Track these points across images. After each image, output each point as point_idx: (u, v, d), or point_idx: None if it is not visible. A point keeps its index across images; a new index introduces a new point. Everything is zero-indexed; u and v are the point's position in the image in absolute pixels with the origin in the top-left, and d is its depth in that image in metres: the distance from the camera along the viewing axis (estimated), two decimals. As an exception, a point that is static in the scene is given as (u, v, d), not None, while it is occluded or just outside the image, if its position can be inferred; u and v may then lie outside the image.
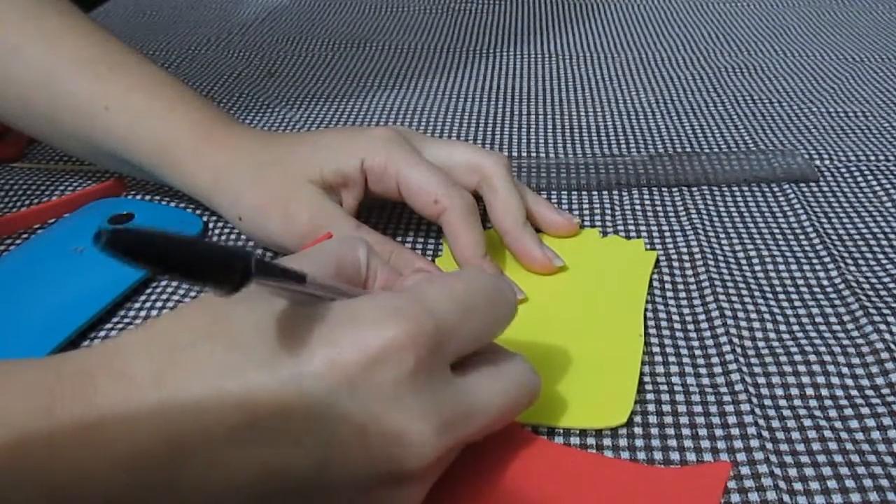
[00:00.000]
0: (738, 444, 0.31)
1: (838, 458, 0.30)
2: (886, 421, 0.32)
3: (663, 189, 0.50)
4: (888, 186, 0.50)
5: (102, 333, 0.38)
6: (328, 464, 0.24)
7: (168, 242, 0.19)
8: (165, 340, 0.25)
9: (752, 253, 0.43)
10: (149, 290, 0.41)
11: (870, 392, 0.34)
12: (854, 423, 0.32)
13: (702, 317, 0.38)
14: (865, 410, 0.33)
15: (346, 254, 0.29)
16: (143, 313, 0.39)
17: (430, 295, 0.26)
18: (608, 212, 0.48)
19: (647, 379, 0.34)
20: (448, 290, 0.27)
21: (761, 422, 0.32)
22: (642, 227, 0.46)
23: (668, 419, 0.32)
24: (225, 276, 0.21)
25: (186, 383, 0.23)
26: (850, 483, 0.29)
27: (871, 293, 0.40)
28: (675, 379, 0.34)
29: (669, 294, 0.40)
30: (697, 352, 0.36)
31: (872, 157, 0.54)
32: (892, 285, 0.40)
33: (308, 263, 0.27)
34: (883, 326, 0.37)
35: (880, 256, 0.43)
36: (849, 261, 0.43)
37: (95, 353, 0.25)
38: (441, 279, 0.28)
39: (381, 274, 0.30)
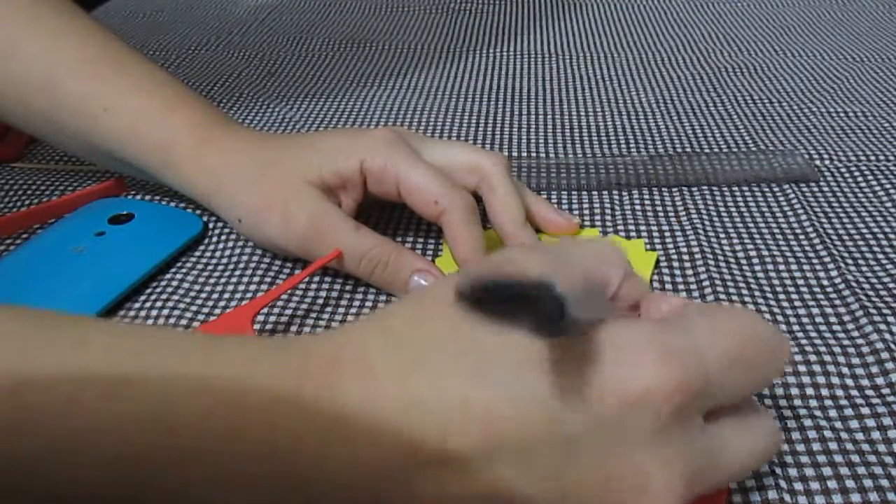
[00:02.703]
0: (738, 444, 0.31)
1: (838, 458, 0.30)
2: (886, 421, 0.32)
3: (663, 189, 0.50)
4: (888, 186, 0.50)
5: (102, 334, 0.38)
6: (560, 497, 0.23)
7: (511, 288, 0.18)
8: (411, 346, 0.24)
9: (752, 253, 0.43)
10: (149, 290, 0.41)
11: (870, 392, 0.34)
12: (854, 423, 0.32)
13: (702, 317, 0.38)
14: (865, 410, 0.33)
15: (597, 269, 0.26)
16: (143, 313, 0.39)
17: (703, 337, 0.24)
18: (608, 212, 0.48)
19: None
20: (724, 335, 0.25)
21: (761, 422, 0.32)
22: (642, 227, 0.46)
23: (669, 419, 0.32)
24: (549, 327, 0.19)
25: (430, 393, 0.22)
26: (850, 483, 0.29)
27: (871, 293, 0.40)
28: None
29: (670, 294, 0.40)
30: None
31: (872, 157, 0.54)
32: (892, 285, 0.40)
33: (558, 267, 0.25)
34: (883, 326, 0.37)
35: (880, 256, 0.43)
36: (849, 261, 0.43)
37: (340, 342, 0.24)
38: (715, 317, 0.25)
39: (631, 293, 0.27)
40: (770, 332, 0.26)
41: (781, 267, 0.42)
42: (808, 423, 0.32)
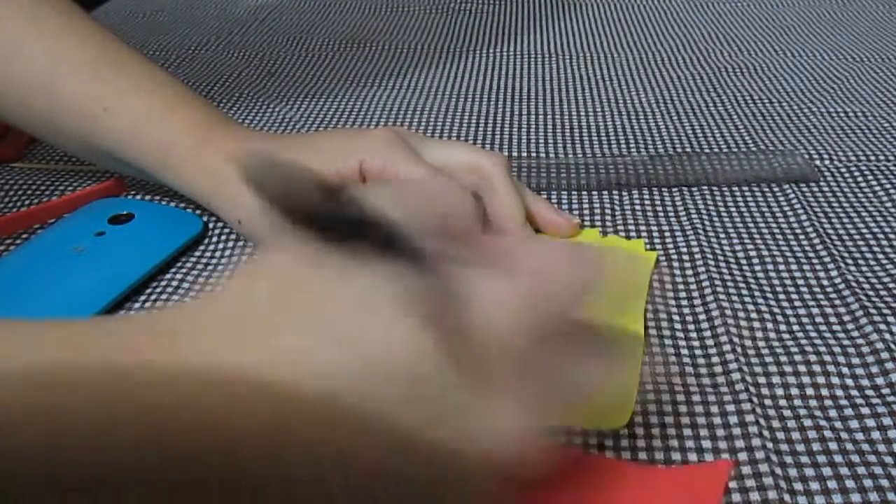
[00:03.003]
0: (738, 443, 0.31)
1: (838, 458, 0.30)
2: (886, 421, 0.32)
3: (663, 189, 0.50)
4: (888, 186, 0.50)
5: (102, 334, 0.38)
6: (434, 425, 0.23)
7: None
8: (258, 322, 0.23)
9: (752, 253, 0.43)
10: (148, 290, 0.41)
11: (870, 392, 0.34)
12: (854, 423, 0.32)
13: (702, 317, 0.38)
14: (865, 410, 0.33)
15: (452, 203, 0.27)
16: (143, 313, 0.39)
17: (535, 266, 0.26)
18: (608, 212, 0.48)
19: (647, 379, 0.34)
20: (552, 260, 0.27)
21: (762, 421, 0.32)
22: (642, 227, 0.46)
23: (669, 419, 0.32)
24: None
25: (281, 367, 0.22)
26: (850, 483, 0.29)
27: (871, 293, 0.40)
28: (675, 379, 0.34)
29: (669, 294, 0.40)
30: (697, 352, 0.36)
31: (872, 157, 0.54)
32: (892, 285, 0.40)
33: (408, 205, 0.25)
34: (883, 326, 0.37)
35: (880, 256, 0.43)
36: (849, 261, 0.43)
37: (179, 318, 0.24)
38: (544, 248, 0.28)
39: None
40: (588, 253, 0.29)
41: (781, 267, 0.42)
42: (808, 423, 0.32)
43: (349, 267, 0.23)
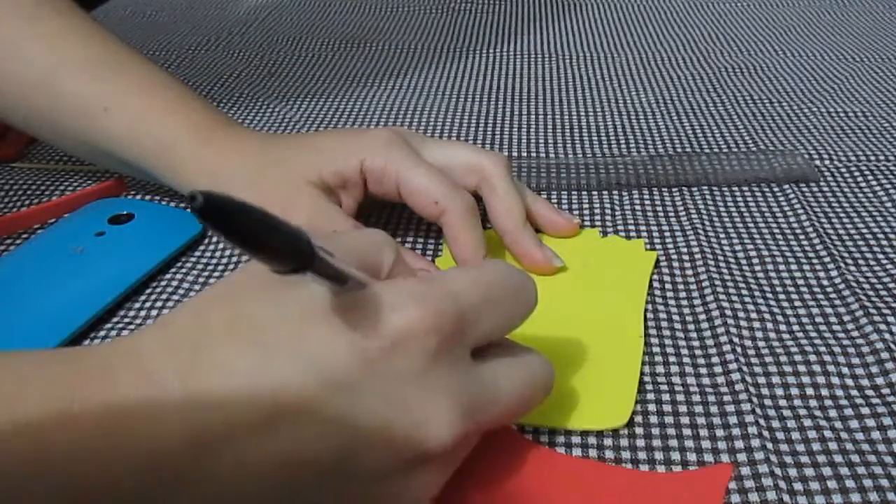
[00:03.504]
0: (738, 444, 0.31)
1: (838, 458, 0.30)
2: (886, 421, 0.32)
3: (663, 189, 0.50)
4: (888, 186, 0.50)
5: (102, 333, 0.38)
6: (351, 453, 0.24)
7: (252, 213, 0.19)
8: (187, 338, 0.24)
9: (752, 253, 0.43)
10: (148, 290, 0.41)
11: (870, 392, 0.34)
12: (854, 423, 0.32)
13: (702, 317, 0.38)
14: (865, 410, 0.33)
15: (370, 253, 0.28)
16: (143, 313, 0.39)
17: (454, 282, 0.27)
18: (608, 212, 0.48)
19: (647, 379, 0.34)
20: (472, 278, 0.27)
21: (762, 422, 0.32)
22: (642, 227, 0.46)
23: (669, 419, 0.32)
24: (293, 257, 0.20)
25: (209, 381, 0.23)
26: (850, 483, 0.29)
27: (871, 293, 0.40)
28: (675, 379, 0.35)
29: (669, 294, 0.40)
30: (697, 352, 0.36)
31: (872, 157, 0.54)
32: (892, 285, 0.40)
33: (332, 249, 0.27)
34: (883, 326, 0.37)
35: (880, 256, 0.43)
36: (849, 261, 0.43)
37: (115, 349, 0.25)
38: (466, 269, 0.29)
39: (402, 273, 0.30)
40: (516, 275, 0.29)
41: (781, 267, 0.42)
42: (808, 423, 0.32)
43: (290, 286, 0.25)
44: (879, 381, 0.34)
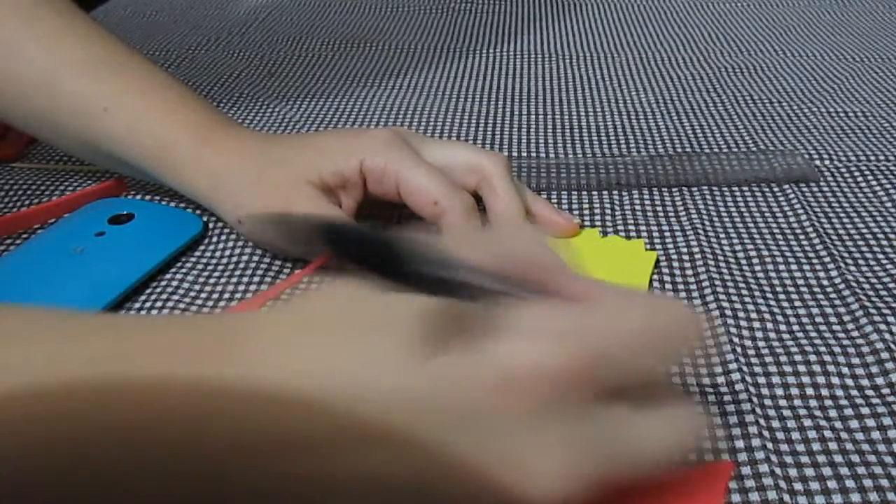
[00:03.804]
0: (738, 443, 0.31)
1: (838, 458, 0.30)
2: (886, 421, 0.32)
3: (663, 189, 0.50)
4: (888, 186, 0.50)
5: (102, 334, 0.38)
6: (442, 476, 0.22)
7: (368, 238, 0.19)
8: (319, 330, 0.23)
9: (752, 253, 0.43)
10: (149, 290, 0.41)
11: (870, 392, 0.34)
12: (854, 423, 0.32)
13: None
14: (865, 410, 0.33)
15: (522, 255, 0.26)
16: (143, 313, 0.39)
17: (601, 318, 0.24)
18: (608, 212, 0.48)
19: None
20: (622, 317, 0.24)
21: (762, 421, 0.32)
22: (642, 227, 0.46)
23: (669, 419, 0.32)
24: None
25: (329, 381, 0.22)
26: (850, 483, 0.29)
27: (871, 293, 0.40)
28: (675, 379, 0.34)
29: (669, 294, 0.40)
30: (697, 352, 0.36)
31: (872, 157, 0.54)
32: (892, 285, 0.40)
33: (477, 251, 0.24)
34: (883, 326, 0.37)
35: (880, 256, 0.43)
36: (849, 261, 0.43)
37: (244, 322, 0.24)
38: (618, 300, 0.25)
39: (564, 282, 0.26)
40: (676, 312, 0.26)
41: (781, 267, 0.42)
42: (808, 423, 0.32)
43: (410, 300, 0.23)
44: (879, 381, 0.34)
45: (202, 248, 0.45)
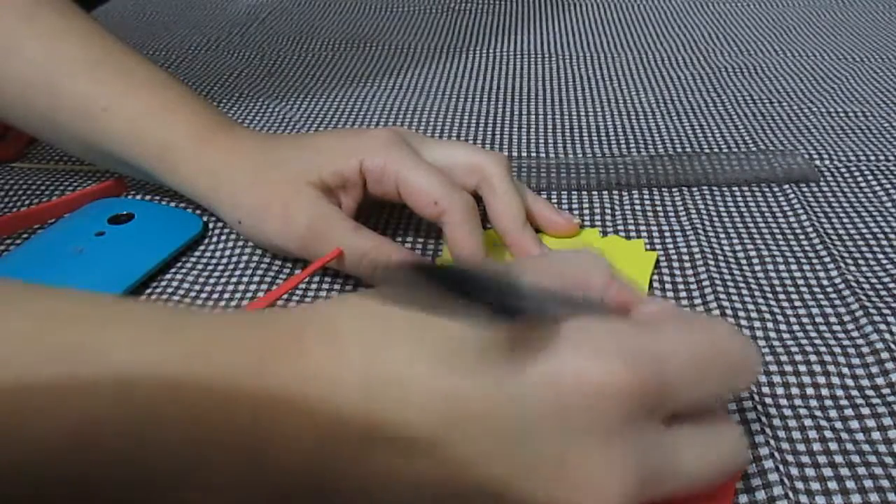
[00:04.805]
0: (738, 444, 0.31)
1: (839, 459, 0.30)
2: (886, 421, 0.32)
3: (663, 189, 0.50)
4: (888, 186, 0.50)
5: (102, 334, 0.38)
6: (511, 481, 0.23)
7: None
8: (378, 327, 0.24)
9: (752, 253, 0.43)
10: (149, 290, 0.41)
11: (870, 392, 0.34)
12: (854, 424, 0.32)
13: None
14: (865, 410, 0.33)
15: (577, 275, 0.26)
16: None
17: (667, 341, 0.24)
18: (608, 212, 0.48)
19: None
20: (690, 343, 0.25)
21: (763, 419, 0.32)
22: (642, 228, 0.46)
23: (669, 419, 0.32)
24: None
25: (394, 372, 0.23)
26: (850, 483, 0.29)
27: (871, 293, 0.40)
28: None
29: (669, 294, 0.40)
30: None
31: (872, 157, 0.54)
32: (892, 285, 0.40)
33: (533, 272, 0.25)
34: (883, 326, 0.37)
35: (880, 256, 0.43)
36: (849, 261, 0.43)
37: (309, 318, 0.24)
38: (685, 324, 0.26)
39: (619, 296, 0.27)
40: (740, 344, 0.26)
41: (781, 267, 0.42)
42: (808, 423, 0.32)
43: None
44: (879, 381, 0.34)
45: (202, 248, 0.45)
